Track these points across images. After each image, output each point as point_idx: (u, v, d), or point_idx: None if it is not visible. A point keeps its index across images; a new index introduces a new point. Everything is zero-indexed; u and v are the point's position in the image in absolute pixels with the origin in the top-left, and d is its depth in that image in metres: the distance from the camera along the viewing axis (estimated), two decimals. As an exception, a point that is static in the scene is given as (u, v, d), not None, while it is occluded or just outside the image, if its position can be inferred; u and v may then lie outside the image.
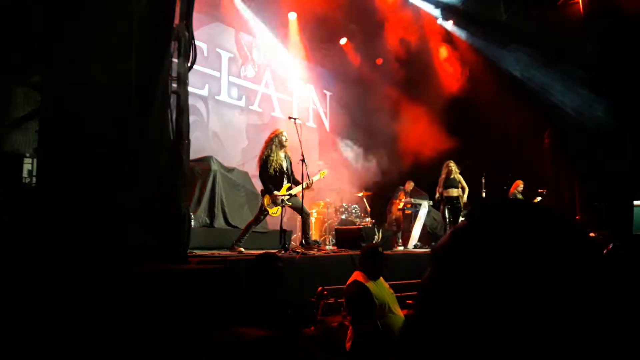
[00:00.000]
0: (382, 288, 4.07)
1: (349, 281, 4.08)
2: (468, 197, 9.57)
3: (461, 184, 9.55)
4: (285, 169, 6.85)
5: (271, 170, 6.69)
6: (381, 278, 4.18)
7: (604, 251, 1.51)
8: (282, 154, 6.83)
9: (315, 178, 7.14)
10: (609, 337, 0.63)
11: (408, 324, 0.78)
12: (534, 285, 0.63)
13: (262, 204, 6.69)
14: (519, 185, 10.81)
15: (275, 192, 6.64)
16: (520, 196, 10.63)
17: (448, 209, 9.49)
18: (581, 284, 0.64)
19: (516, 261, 0.64)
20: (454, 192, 9.43)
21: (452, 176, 9.49)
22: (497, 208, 0.74)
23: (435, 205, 10.16)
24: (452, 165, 9.55)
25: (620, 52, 10.27)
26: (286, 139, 6.89)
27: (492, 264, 0.65)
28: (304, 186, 6.87)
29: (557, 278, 0.63)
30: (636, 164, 10.35)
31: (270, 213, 6.67)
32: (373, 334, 3.80)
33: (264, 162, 6.75)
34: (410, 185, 11.02)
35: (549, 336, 0.62)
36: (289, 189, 6.84)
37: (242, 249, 6.32)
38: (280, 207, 6.66)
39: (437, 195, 9.64)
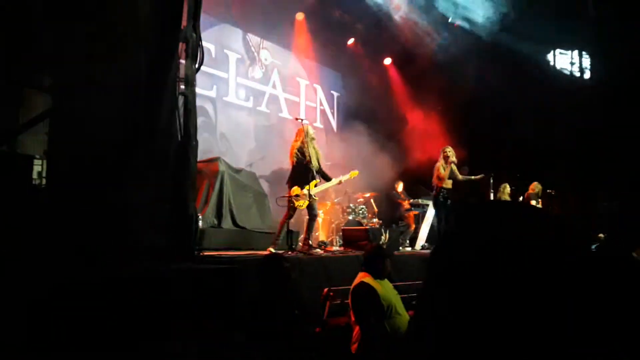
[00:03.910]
0: (387, 289, 4.05)
1: (355, 282, 4.06)
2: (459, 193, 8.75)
3: (455, 176, 8.59)
4: (317, 163, 6.92)
5: (304, 163, 6.74)
6: (386, 279, 4.17)
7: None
8: (313, 149, 6.88)
9: (344, 178, 7.31)
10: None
11: (410, 327, 0.81)
12: (518, 288, 0.64)
13: (290, 198, 6.78)
14: (535, 187, 10.66)
15: (306, 187, 6.69)
16: (536, 199, 10.55)
17: (445, 204, 8.51)
18: (559, 283, 0.65)
19: (499, 263, 0.66)
20: (449, 183, 8.46)
21: (451, 166, 8.50)
22: (480, 212, 0.76)
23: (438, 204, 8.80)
24: (451, 152, 8.56)
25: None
26: (314, 132, 6.99)
27: (477, 269, 0.67)
28: (334, 183, 7.10)
29: (539, 279, 0.65)
30: None
31: (296, 205, 6.72)
32: (380, 335, 3.78)
33: (297, 156, 6.83)
34: (399, 186, 11.03)
35: (536, 332, 0.63)
36: (317, 184, 6.95)
37: (272, 250, 6.37)
38: (307, 201, 6.72)
39: (435, 190, 8.49)
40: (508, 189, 10.55)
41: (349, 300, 4.08)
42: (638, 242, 8.88)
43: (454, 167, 8.64)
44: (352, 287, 4.06)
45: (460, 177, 8.71)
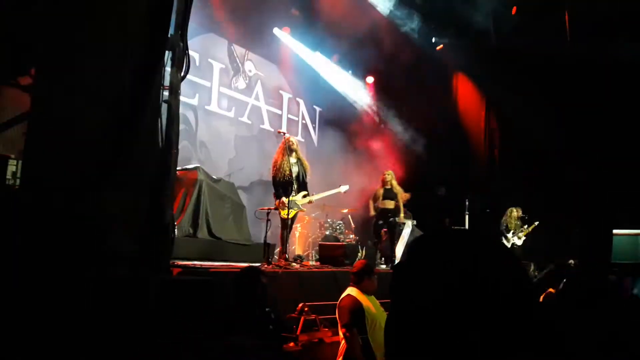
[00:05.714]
0: (374, 305, 4.15)
1: (343, 295, 4.17)
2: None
3: (398, 197, 8.98)
4: (296, 174, 6.93)
5: (280, 176, 6.80)
6: (373, 296, 4.26)
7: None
8: (292, 160, 6.93)
9: (344, 189, 8.13)
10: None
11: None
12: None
13: (273, 210, 7.02)
14: (515, 211, 10.83)
15: (284, 199, 6.72)
16: (516, 222, 10.73)
17: (379, 224, 8.98)
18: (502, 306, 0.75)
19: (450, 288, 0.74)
20: (389, 204, 8.89)
21: (387, 187, 8.92)
22: (433, 241, 0.81)
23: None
24: (388, 175, 9.03)
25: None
26: (294, 144, 7.02)
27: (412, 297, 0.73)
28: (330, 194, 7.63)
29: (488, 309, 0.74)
30: (614, 190, 10.39)
31: (282, 215, 6.82)
32: (365, 348, 3.86)
33: (274, 168, 6.96)
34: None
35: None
36: (305, 195, 7.02)
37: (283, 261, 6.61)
38: (293, 210, 6.84)
39: (372, 209, 9.06)
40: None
41: (337, 314, 4.14)
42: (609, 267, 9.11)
43: (396, 189, 9.00)
44: (339, 300, 4.17)
45: (400, 203, 9.04)
